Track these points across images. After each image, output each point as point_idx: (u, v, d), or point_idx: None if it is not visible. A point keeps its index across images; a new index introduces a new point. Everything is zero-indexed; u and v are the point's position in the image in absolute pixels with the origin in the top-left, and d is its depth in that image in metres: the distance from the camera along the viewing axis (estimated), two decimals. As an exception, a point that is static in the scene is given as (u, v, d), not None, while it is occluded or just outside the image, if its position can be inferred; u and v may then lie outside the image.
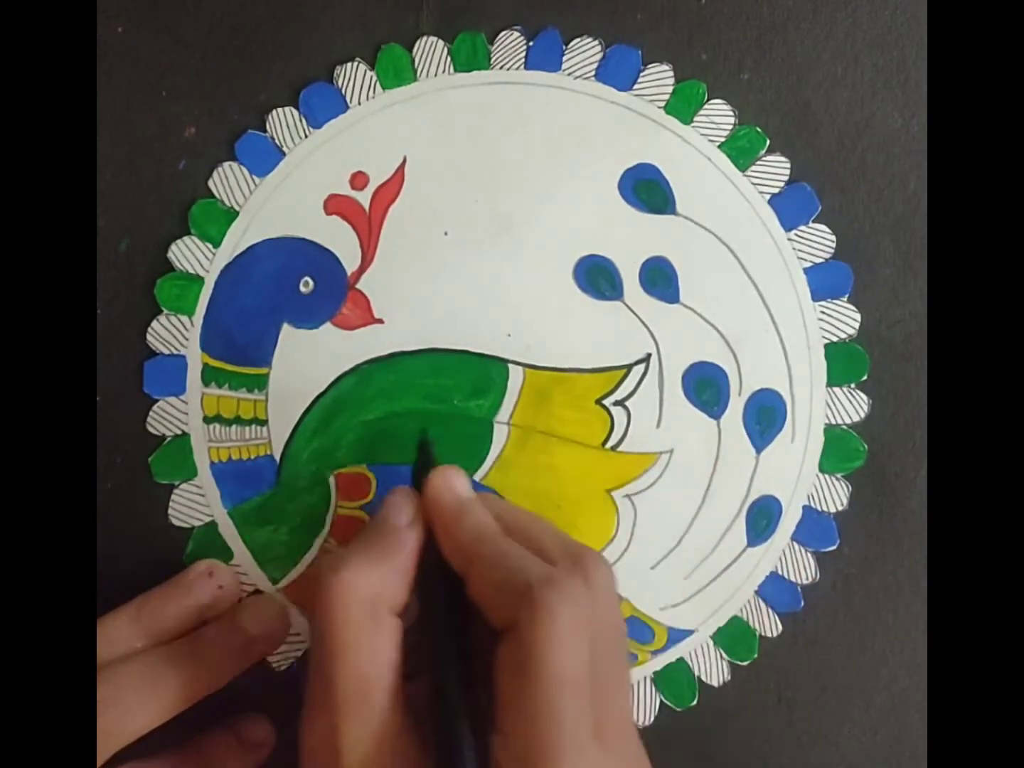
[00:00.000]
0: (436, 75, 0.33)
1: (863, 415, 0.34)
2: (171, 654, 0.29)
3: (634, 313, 0.33)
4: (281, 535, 0.33)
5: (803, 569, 0.34)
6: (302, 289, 0.33)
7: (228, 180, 0.33)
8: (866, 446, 0.34)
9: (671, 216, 0.33)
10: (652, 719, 0.34)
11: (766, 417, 0.34)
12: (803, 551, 0.34)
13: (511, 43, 0.33)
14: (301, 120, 0.33)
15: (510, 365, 0.33)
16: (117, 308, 0.33)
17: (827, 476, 0.34)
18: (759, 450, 0.34)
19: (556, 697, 0.23)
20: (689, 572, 0.34)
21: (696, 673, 0.34)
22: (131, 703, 0.27)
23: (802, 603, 0.34)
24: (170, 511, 0.33)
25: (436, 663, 0.26)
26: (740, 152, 0.33)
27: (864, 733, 0.34)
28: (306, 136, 0.33)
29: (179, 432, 0.33)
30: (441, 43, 0.33)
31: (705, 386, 0.33)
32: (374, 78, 0.33)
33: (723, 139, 0.33)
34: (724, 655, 0.34)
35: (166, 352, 0.33)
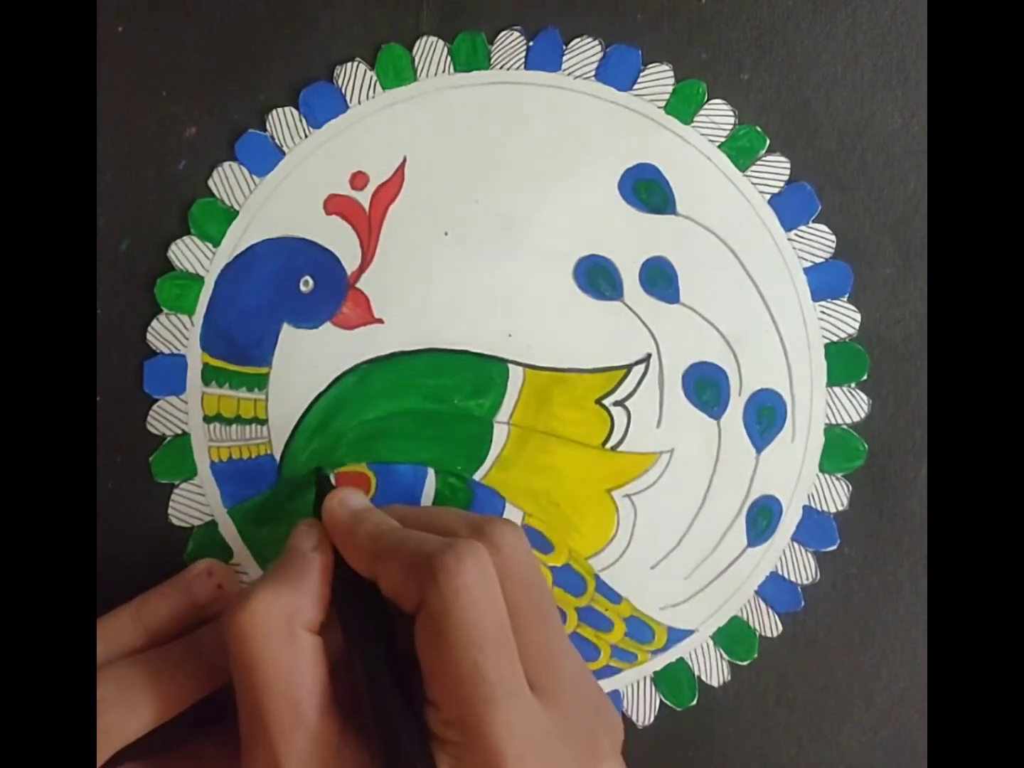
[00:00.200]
0: (436, 75, 0.33)
1: (863, 415, 0.34)
2: (171, 654, 0.29)
3: (634, 313, 0.33)
4: (281, 534, 0.33)
5: (803, 569, 0.34)
6: (302, 289, 0.33)
7: (228, 180, 0.33)
8: (866, 446, 0.34)
9: (671, 216, 0.33)
10: (652, 719, 0.34)
11: (766, 417, 0.34)
12: (803, 551, 0.34)
13: (511, 43, 0.33)
14: (301, 120, 0.33)
15: (510, 365, 0.33)
16: (117, 308, 0.33)
17: (827, 476, 0.34)
18: (759, 450, 0.34)
19: (475, 653, 0.23)
20: (689, 572, 0.34)
21: (696, 673, 0.34)
22: (131, 703, 0.27)
23: (802, 603, 0.34)
24: (170, 511, 0.33)
25: (364, 669, 0.26)
26: (740, 152, 0.33)
27: (864, 733, 0.34)
28: (306, 136, 0.33)
29: (179, 432, 0.33)
30: (441, 43, 0.33)
31: (705, 386, 0.33)
32: (374, 78, 0.33)
33: (723, 139, 0.33)
34: (724, 655, 0.34)
35: (166, 352, 0.33)
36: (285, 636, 0.25)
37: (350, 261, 0.33)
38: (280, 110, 0.33)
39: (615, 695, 0.34)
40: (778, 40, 0.33)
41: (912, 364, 0.34)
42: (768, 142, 0.33)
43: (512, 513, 0.33)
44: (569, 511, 0.33)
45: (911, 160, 0.33)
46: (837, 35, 0.33)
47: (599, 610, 0.34)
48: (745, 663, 0.34)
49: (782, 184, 0.33)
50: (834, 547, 0.34)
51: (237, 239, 0.33)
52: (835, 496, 0.34)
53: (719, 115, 0.33)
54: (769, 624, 0.34)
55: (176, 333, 0.33)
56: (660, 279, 0.33)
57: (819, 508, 0.34)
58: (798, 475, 0.34)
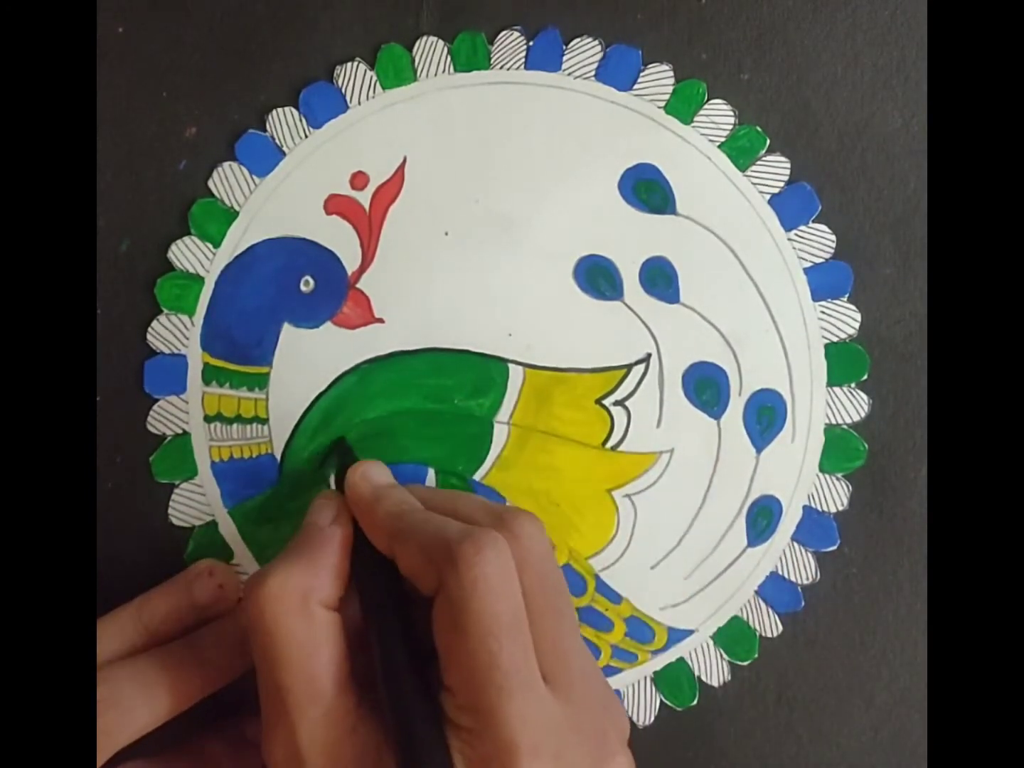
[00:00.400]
0: (436, 75, 0.33)
1: (863, 415, 0.34)
2: (171, 654, 0.29)
3: (634, 313, 0.33)
4: (282, 534, 0.33)
5: (803, 569, 0.34)
6: (302, 288, 0.33)
7: (228, 180, 0.33)
8: (866, 446, 0.34)
9: (671, 216, 0.33)
10: (652, 719, 0.34)
11: (766, 417, 0.34)
12: (803, 551, 0.34)
13: (511, 43, 0.33)
14: (301, 120, 0.33)
15: (510, 365, 0.33)
16: (117, 308, 0.33)
17: (827, 476, 0.34)
18: (759, 450, 0.34)
19: (491, 641, 0.23)
20: (689, 572, 0.34)
21: (696, 673, 0.34)
22: (131, 703, 0.27)
23: (802, 603, 0.34)
24: (170, 511, 0.33)
25: (380, 648, 0.26)
26: (740, 152, 0.33)
27: (864, 733, 0.34)
28: (306, 136, 0.33)
29: (180, 431, 0.33)
30: (441, 43, 0.33)
31: (705, 386, 0.33)
32: (374, 78, 0.33)
33: (723, 139, 0.33)
34: (724, 655, 0.34)
35: (166, 352, 0.33)
36: (301, 612, 0.26)
37: (350, 261, 0.33)
38: (280, 110, 0.33)
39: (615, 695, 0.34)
40: (778, 40, 0.33)
41: (912, 364, 0.34)
42: (768, 142, 0.33)
43: (512, 513, 0.33)
44: (569, 511, 0.33)
45: (911, 160, 0.33)
46: (837, 35, 0.33)
47: (599, 610, 0.34)
48: (745, 663, 0.34)
49: (782, 184, 0.33)
50: (834, 547, 0.34)
51: (237, 239, 0.33)
52: (835, 496, 0.34)
53: (719, 115, 0.33)
54: (769, 624, 0.34)
55: (176, 333, 0.33)
56: (660, 279, 0.33)
57: (819, 508, 0.34)
58: (798, 475, 0.34)
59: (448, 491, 0.30)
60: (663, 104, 0.33)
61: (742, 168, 0.33)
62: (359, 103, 0.33)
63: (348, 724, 0.25)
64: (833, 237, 0.33)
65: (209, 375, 0.33)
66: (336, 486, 0.30)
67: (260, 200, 0.33)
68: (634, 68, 0.33)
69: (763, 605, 0.34)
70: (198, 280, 0.33)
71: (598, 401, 0.33)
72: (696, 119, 0.33)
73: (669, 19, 0.33)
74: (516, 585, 0.25)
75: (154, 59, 0.33)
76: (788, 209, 0.33)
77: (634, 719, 0.34)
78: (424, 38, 0.33)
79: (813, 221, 0.33)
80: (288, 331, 0.33)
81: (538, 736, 0.23)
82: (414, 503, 0.28)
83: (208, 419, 0.33)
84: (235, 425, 0.33)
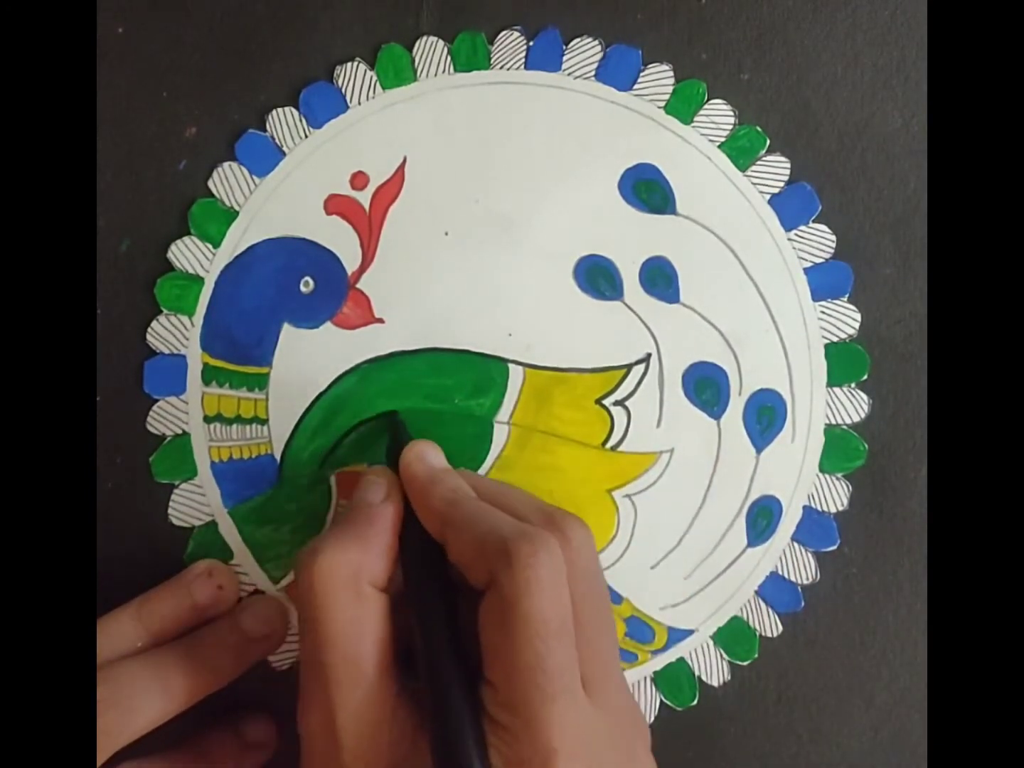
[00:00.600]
0: (436, 75, 0.33)
1: (863, 415, 0.34)
2: (171, 654, 0.29)
3: (634, 313, 0.33)
4: (282, 534, 0.33)
5: (803, 569, 0.34)
6: (302, 289, 0.33)
7: (228, 180, 0.33)
8: (866, 446, 0.34)
9: (671, 216, 0.33)
10: (652, 719, 0.34)
11: (766, 417, 0.34)
12: (803, 551, 0.34)
13: (511, 43, 0.33)
14: (301, 120, 0.33)
15: (510, 365, 0.33)
16: (117, 308, 0.33)
17: (827, 476, 0.34)
18: (759, 450, 0.34)
19: (539, 644, 0.23)
20: (689, 572, 0.34)
21: (696, 673, 0.34)
22: (131, 703, 0.27)
23: (802, 603, 0.34)
24: (170, 511, 0.33)
25: (423, 631, 0.26)
26: (740, 152, 0.33)
27: (865, 733, 0.34)
28: (306, 136, 0.33)
29: (179, 432, 0.33)
30: (441, 43, 0.33)
31: (705, 386, 0.33)
32: (374, 78, 0.33)
33: (723, 139, 0.33)
34: (724, 655, 0.34)
35: (166, 352, 0.33)
36: (351, 592, 0.26)
37: (350, 261, 0.33)
38: (280, 110, 0.33)
39: (615, 695, 0.34)
40: (778, 40, 0.33)
41: (912, 364, 0.34)
42: (768, 142, 0.33)
43: (512, 513, 0.33)
44: (569, 511, 0.33)
45: (911, 160, 0.33)
46: (837, 35, 0.33)
47: (599, 610, 0.34)
48: (745, 663, 0.34)
49: (782, 184, 0.33)
50: (834, 547, 0.34)
51: (237, 239, 0.33)
52: (835, 496, 0.34)
53: (719, 115, 0.33)
54: (769, 624, 0.34)
55: (176, 333, 0.33)
56: (660, 279, 0.33)
57: (819, 508, 0.34)
58: (798, 475, 0.34)
59: (498, 482, 0.30)
60: (663, 104, 0.33)
61: (742, 168, 0.33)
62: (359, 103, 0.33)
63: (387, 709, 0.25)
64: (833, 237, 0.33)
65: (209, 375, 0.33)
66: (388, 462, 0.29)
67: (260, 200, 0.33)
68: (634, 68, 0.33)
69: (763, 605, 0.34)
70: (198, 280, 0.33)
71: (598, 401, 0.33)
72: (696, 119, 0.33)
73: (669, 19, 0.33)
74: (567, 590, 0.25)
75: (154, 59, 0.33)
76: (788, 209, 0.33)
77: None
78: (424, 38, 0.33)
79: (813, 221, 0.33)
80: (288, 331, 0.33)
81: (576, 743, 0.23)
82: (468, 491, 0.28)
83: (208, 419, 0.33)
84: (235, 425, 0.33)
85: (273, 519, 0.33)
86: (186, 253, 0.33)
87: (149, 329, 0.33)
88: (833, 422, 0.34)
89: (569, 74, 0.33)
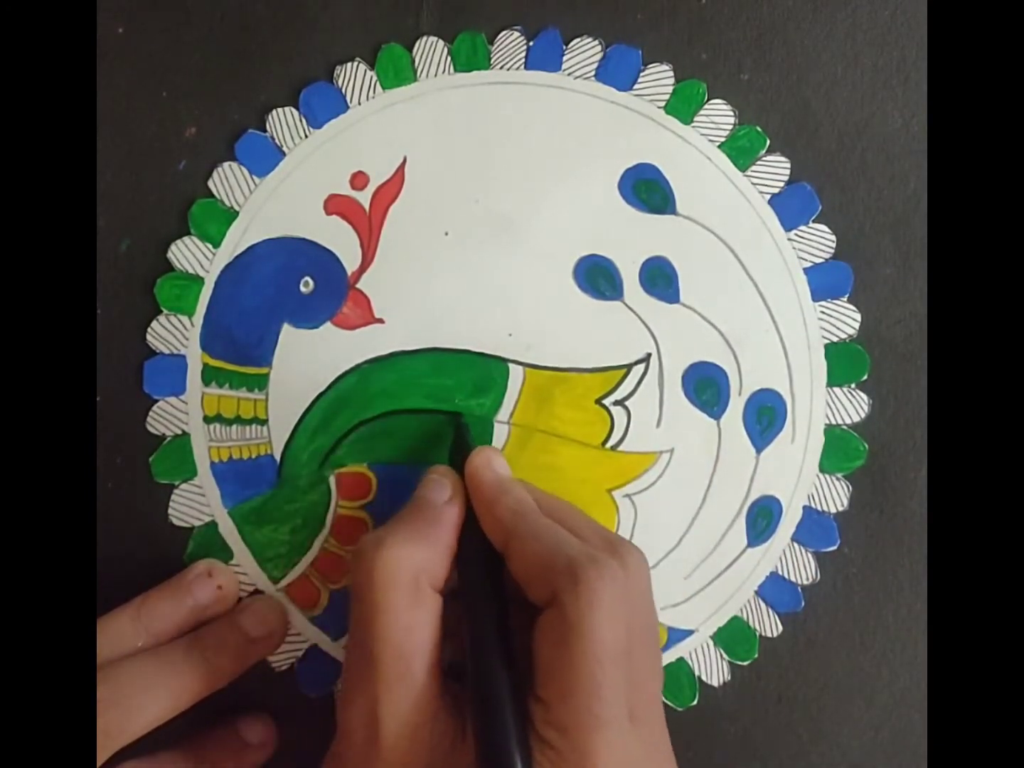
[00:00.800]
0: (436, 75, 0.33)
1: (863, 415, 0.34)
2: (171, 654, 0.29)
3: (634, 313, 0.33)
4: (281, 535, 0.33)
5: (803, 569, 0.34)
6: (302, 289, 0.33)
7: (228, 180, 0.33)
8: (866, 446, 0.34)
9: (671, 216, 0.33)
10: (652, 719, 0.34)
11: (766, 417, 0.34)
12: (803, 551, 0.34)
13: (511, 43, 0.33)
14: (301, 120, 0.33)
15: (510, 364, 0.33)
16: (117, 308, 0.33)
17: (827, 476, 0.34)
18: (759, 450, 0.34)
19: (597, 669, 0.24)
20: (689, 572, 0.34)
21: (696, 673, 0.34)
22: (131, 703, 0.27)
23: (802, 603, 0.34)
24: (170, 511, 0.33)
25: (475, 637, 0.26)
26: (740, 152, 0.33)
27: (865, 733, 0.34)
28: (306, 136, 0.33)
29: (179, 432, 0.33)
30: (441, 43, 0.33)
31: (705, 386, 0.33)
32: (374, 78, 0.33)
33: (723, 139, 0.33)
34: (724, 655, 0.34)
35: (166, 352, 0.33)
36: (411, 591, 0.26)
37: (350, 261, 0.33)
38: (280, 110, 0.33)
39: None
40: (778, 40, 0.33)
41: (912, 364, 0.34)
42: (768, 142, 0.33)
43: (512, 513, 0.33)
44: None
45: (911, 160, 0.33)
46: (837, 35, 0.33)
47: (599, 610, 0.34)
48: (745, 663, 0.34)
49: (782, 184, 0.33)
50: (834, 547, 0.34)
51: (237, 239, 0.33)
52: (835, 496, 0.34)
53: (719, 115, 0.33)
54: (769, 624, 0.34)
55: (176, 333, 0.33)
56: (660, 279, 0.33)
57: (819, 508, 0.34)
58: (798, 475, 0.34)
59: (558, 499, 0.30)
60: (663, 104, 0.33)
61: (742, 168, 0.33)
62: (359, 103, 0.33)
63: (430, 711, 0.25)
64: (833, 237, 0.33)
65: (209, 375, 0.33)
66: (451, 463, 0.30)
67: (260, 200, 0.33)
68: (634, 68, 0.33)
69: (763, 605, 0.34)
70: (198, 280, 0.33)
71: (598, 401, 0.33)
72: (696, 119, 0.33)
73: (669, 19, 0.33)
74: (625, 617, 0.25)
75: (154, 59, 0.33)
76: (788, 209, 0.33)
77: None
78: (424, 38, 0.33)
79: (813, 221, 0.33)
80: (288, 331, 0.33)
81: None
82: (532, 504, 0.28)
83: (208, 420, 0.33)
84: (235, 426, 0.33)
85: (273, 519, 0.33)
86: (186, 253, 0.33)
87: (149, 329, 0.33)
88: (833, 422, 0.34)
89: (569, 74, 0.33)
